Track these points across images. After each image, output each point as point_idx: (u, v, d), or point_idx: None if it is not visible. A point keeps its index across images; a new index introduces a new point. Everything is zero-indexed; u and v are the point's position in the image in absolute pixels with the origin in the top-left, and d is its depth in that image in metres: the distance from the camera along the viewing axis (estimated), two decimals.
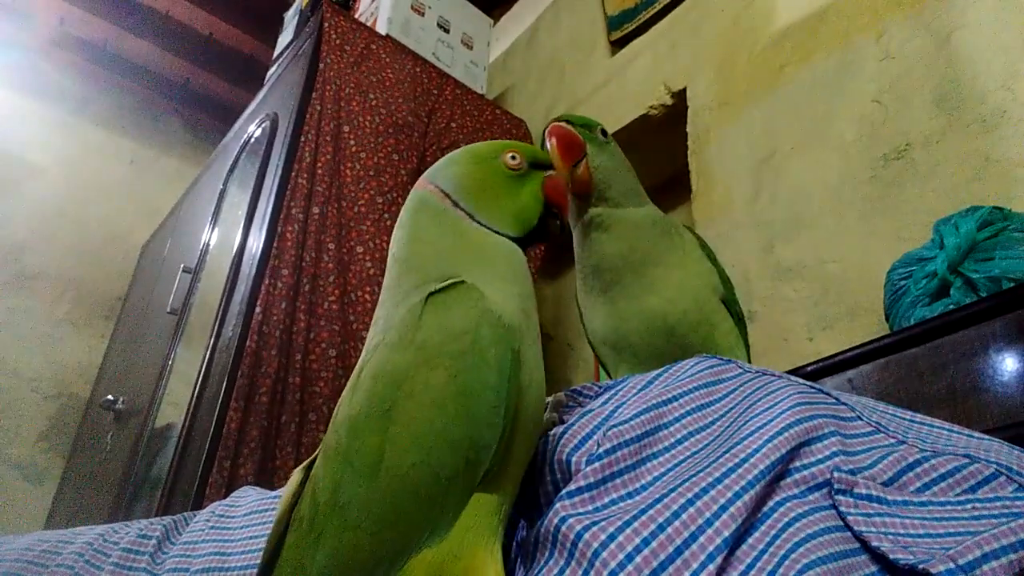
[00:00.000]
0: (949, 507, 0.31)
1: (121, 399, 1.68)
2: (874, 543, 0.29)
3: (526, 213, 0.41)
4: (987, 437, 0.36)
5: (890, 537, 0.29)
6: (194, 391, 1.23)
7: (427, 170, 0.46)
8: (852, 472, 0.33)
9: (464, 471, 0.31)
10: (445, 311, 0.34)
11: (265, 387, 1.18)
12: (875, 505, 0.31)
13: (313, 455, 0.36)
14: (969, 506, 0.31)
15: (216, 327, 1.28)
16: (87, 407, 2.11)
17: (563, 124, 0.55)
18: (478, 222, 0.40)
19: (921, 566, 0.27)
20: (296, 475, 0.36)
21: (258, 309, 1.22)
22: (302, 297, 1.29)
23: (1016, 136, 0.96)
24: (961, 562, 0.27)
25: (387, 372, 0.33)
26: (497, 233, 0.40)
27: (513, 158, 0.42)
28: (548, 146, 0.53)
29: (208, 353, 1.26)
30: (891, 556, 0.28)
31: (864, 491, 0.32)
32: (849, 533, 0.31)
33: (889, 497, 0.32)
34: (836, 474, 0.33)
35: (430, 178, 0.43)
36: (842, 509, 0.31)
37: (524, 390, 0.34)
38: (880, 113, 1.14)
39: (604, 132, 0.59)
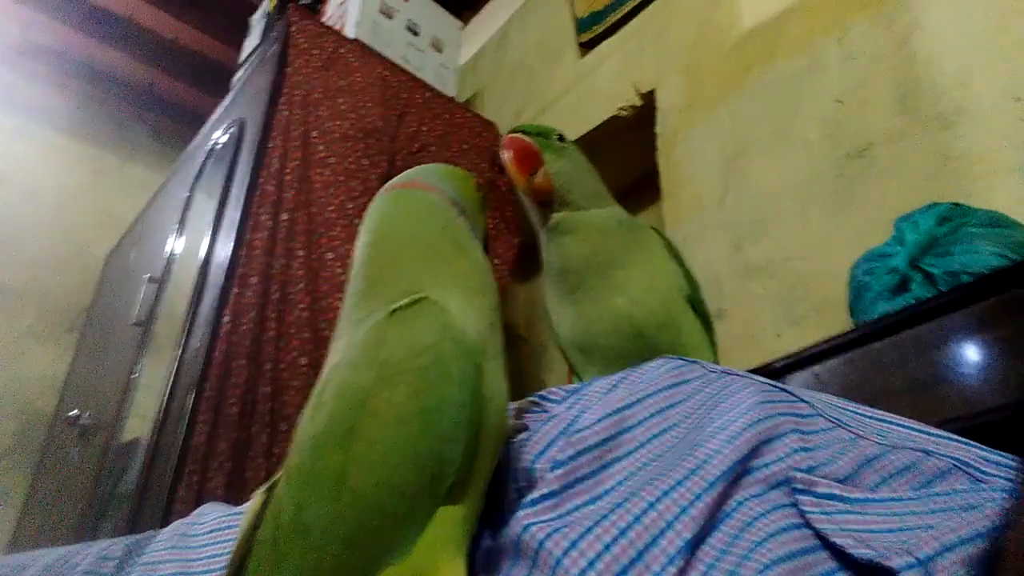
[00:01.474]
0: (908, 503, 0.31)
1: (86, 414, 1.64)
2: (835, 539, 0.29)
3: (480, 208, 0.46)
4: (943, 433, 0.37)
5: (851, 533, 0.30)
6: (161, 403, 1.21)
7: (408, 174, 0.45)
8: (811, 470, 0.34)
9: (429, 487, 0.31)
10: (408, 328, 0.33)
11: (234, 398, 1.16)
12: (835, 503, 0.32)
13: (275, 477, 0.36)
14: (929, 501, 0.31)
15: (183, 337, 1.26)
16: (52, 423, 2.06)
17: (517, 135, 0.55)
18: (463, 210, 0.42)
19: (879, 560, 0.27)
20: (258, 497, 0.35)
21: (226, 318, 1.20)
22: (271, 305, 1.27)
23: (974, 134, 0.98)
24: (919, 555, 0.27)
25: (350, 391, 0.32)
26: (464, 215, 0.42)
27: (478, 186, 0.46)
28: (503, 159, 0.53)
29: (175, 364, 1.23)
30: (851, 551, 0.28)
31: (825, 490, 0.32)
32: (809, 531, 0.31)
33: (850, 495, 0.32)
34: (796, 474, 0.33)
35: (429, 182, 0.43)
36: (803, 508, 0.32)
37: (487, 402, 0.34)
38: (843, 113, 1.16)
39: (561, 137, 0.59)
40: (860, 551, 0.28)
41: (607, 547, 0.29)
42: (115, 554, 0.42)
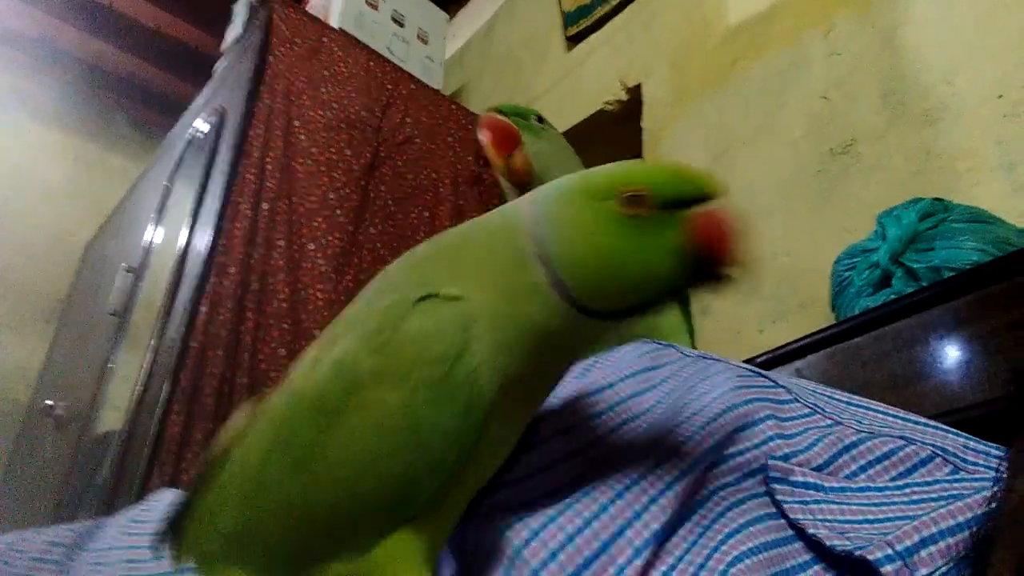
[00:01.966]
0: (887, 492, 0.31)
1: (61, 404, 1.61)
2: (810, 530, 0.28)
3: (648, 283, 0.29)
4: (923, 420, 0.36)
5: (827, 524, 0.29)
6: (135, 394, 1.19)
7: (533, 192, 0.32)
8: (787, 458, 0.33)
9: (391, 507, 0.28)
10: (430, 325, 0.28)
11: (211, 388, 1.14)
12: (812, 492, 0.31)
13: (268, 392, 0.32)
14: (908, 490, 0.31)
15: (159, 327, 1.24)
16: (27, 413, 2.03)
17: (495, 115, 0.54)
18: (568, 296, 0.28)
19: (858, 552, 0.26)
20: (245, 410, 0.32)
21: (203, 308, 1.18)
22: (250, 295, 1.25)
23: (957, 130, 0.98)
24: (899, 547, 0.26)
25: (348, 370, 0.28)
26: (587, 313, 0.28)
27: (633, 200, 0.28)
28: (480, 139, 0.52)
29: (150, 354, 1.21)
30: (827, 543, 0.27)
31: (800, 478, 0.31)
32: (784, 521, 0.30)
33: (826, 484, 0.31)
34: (771, 461, 0.32)
35: (533, 213, 0.30)
36: (778, 497, 0.31)
37: (487, 449, 0.29)
38: (828, 108, 1.16)
39: (540, 118, 0.57)
40: (836, 542, 0.27)
41: (570, 537, 0.28)
42: (64, 540, 0.40)
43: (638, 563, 0.27)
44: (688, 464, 0.31)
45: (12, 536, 0.43)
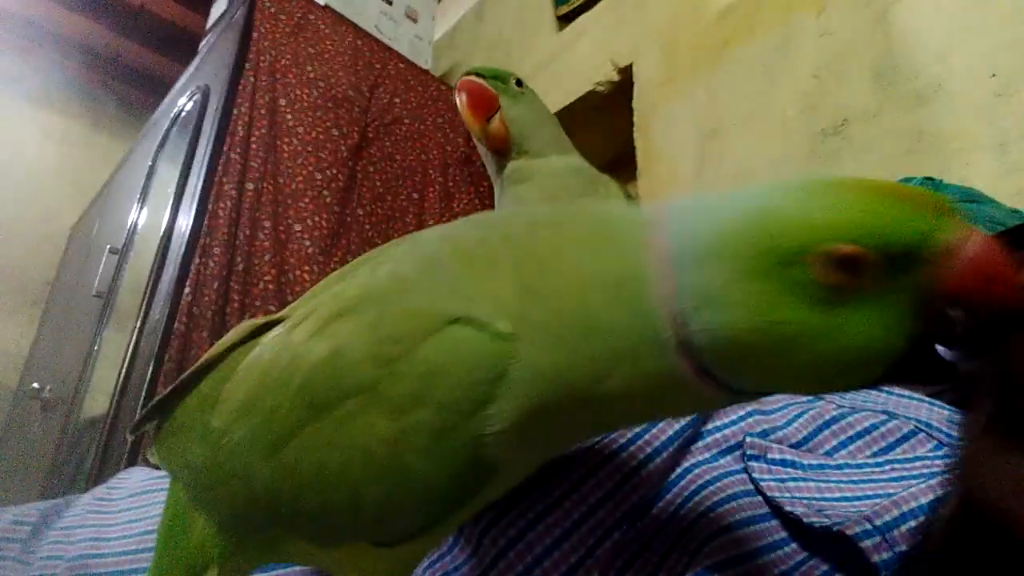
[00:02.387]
0: (866, 469, 0.30)
1: (48, 387, 1.60)
2: (787, 508, 0.28)
3: (858, 365, 0.20)
4: (908, 393, 0.35)
5: (804, 502, 0.28)
6: (119, 377, 1.17)
7: (668, 213, 0.22)
8: (765, 434, 0.32)
9: (361, 529, 0.24)
10: (455, 355, 0.22)
11: None
12: (789, 470, 0.30)
13: (276, 315, 0.29)
14: (888, 467, 0.30)
15: (143, 309, 1.22)
16: (15, 397, 2.01)
17: (472, 78, 0.52)
18: (718, 383, 0.21)
19: (836, 528, 0.26)
20: (242, 331, 0.28)
21: (187, 290, 1.17)
22: (235, 277, 1.23)
23: (949, 110, 0.97)
24: (878, 522, 0.26)
25: (345, 369, 0.23)
26: (734, 392, 0.22)
27: (845, 264, 0.19)
28: (457, 102, 0.51)
29: (135, 336, 1.20)
30: (805, 520, 0.27)
31: (777, 456, 0.31)
32: (760, 498, 0.29)
33: (804, 461, 0.31)
34: (748, 439, 0.32)
35: (673, 273, 0.21)
36: (755, 475, 0.30)
37: (472, 501, 0.24)
38: (819, 89, 1.14)
39: (519, 82, 0.56)
40: (814, 519, 0.27)
41: (540, 516, 0.27)
42: (30, 519, 0.39)
43: (616, 536, 0.27)
44: (663, 440, 0.30)
45: None
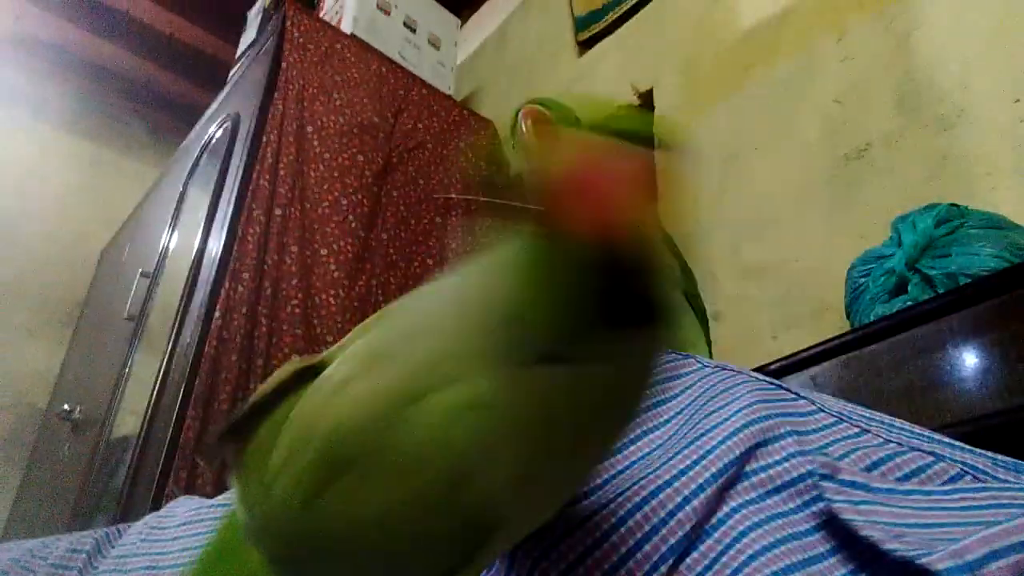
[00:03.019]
0: (935, 496, 0.29)
1: (78, 408, 1.63)
2: (863, 532, 0.27)
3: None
4: (947, 440, 0.35)
5: (879, 526, 0.27)
6: (151, 399, 1.20)
7: None
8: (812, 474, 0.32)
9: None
10: (440, 424, 0.22)
11: (225, 394, 1.15)
12: (860, 492, 0.29)
13: (317, 359, 0.29)
14: (957, 496, 0.29)
15: (174, 332, 1.25)
16: (44, 417, 2.05)
17: (537, 107, 0.54)
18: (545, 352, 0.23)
19: (922, 560, 0.24)
20: (290, 369, 0.29)
21: (217, 313, 1.19)
22: (264, 301, 1.26)
23: (973, 135, 0.97)
24: (969, 558, 0.24)
25: (353, 432, 0.24)
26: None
27: None
28: (523, 127, 0.53)
29: (165, 359, 1.22)
30: (883, 546, 0.26)
31: (848, 477, 0.30)
32: (815, 537, 0.29)
33: (874, 484, 0.30)
34: (819, 457, 0.31)
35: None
36: (827, 496, 0.29)
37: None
38: (841, 113, 1.15)
39: (577, 119, 0.58)
40: (893, 546, 0.26)
41: (589, 550, 0.28)
42: (85, 547, 0.41)
43: None
44: (706, 479, 0.31)
45: (33, 543, 0.44)
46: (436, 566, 0.24)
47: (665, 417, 0.36)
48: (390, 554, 0.24)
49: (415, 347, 0.25)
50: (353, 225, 1.43)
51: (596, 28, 1.75)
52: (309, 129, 1.46)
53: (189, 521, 0.40)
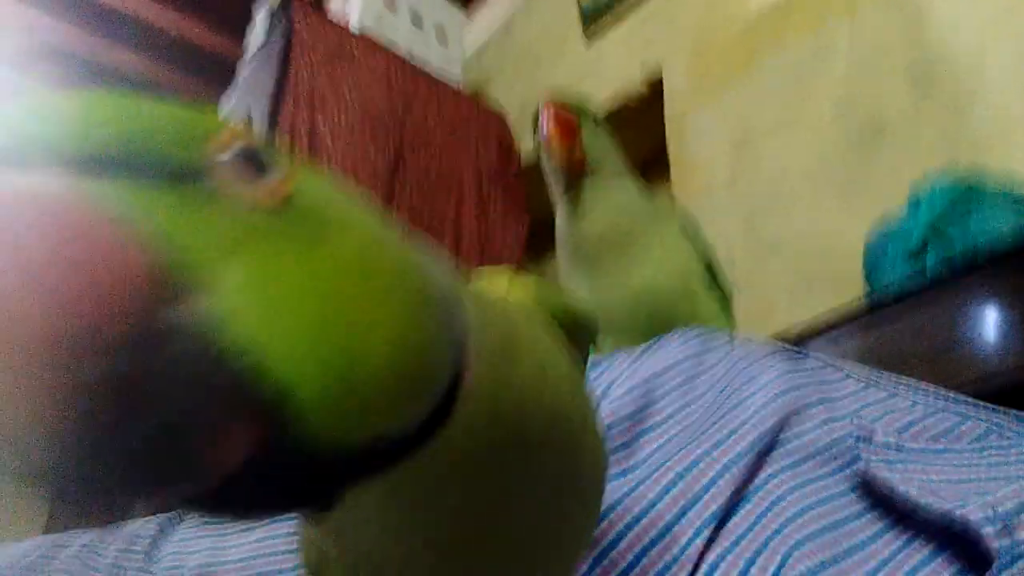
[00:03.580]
0: (967, 454, 0.30)
1: None
2: (901, 488, 0.28)
3: None
4: (970, 399, 0.36)
5: (915, 483, 0.28)
6: None
7: None
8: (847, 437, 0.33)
9: None
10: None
11: None
12: (894, 453, 0.31)
13: None
14: (986, 452, 0.30)
15: None
16: None
17: (558, 107, 0.56)
18: None
19: (959, 512, 0.25)
20: None
21: None
22: None
23: (988, 112, 0.97)
24: (1000, 510, 0.25)
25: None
26: None
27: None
28: (545, 126, 0.54)
29: None
30: (920, 500, 0.27)
31: (882, 438, 0.31)
32: (850, 497, 0.30)
33: (908, 444, 0.31)
34: (855, 421, 0.32)
35: None
36: (863, 455, 0.30)
37: None
38: (854, 93, 1.15)
39: (596, 118, 0.60)
40: (928, 499, 0.27)
41: (636, 519, 0.29)
42: (150, 532, 0.42)
43: (698, 542, 0.28)
44: (743, 448, 0.31)
45: (97, 531, 0.45)
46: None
47: (699, 391, 0.37)
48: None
49: None
50: None
51: (603, 16, 1.75)
52: (321, 127, 1.47)
53: None
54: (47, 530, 1.90)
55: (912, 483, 0.28)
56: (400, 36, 1.80)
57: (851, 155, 1.11)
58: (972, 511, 0.25)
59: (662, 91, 1.52)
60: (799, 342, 0.72)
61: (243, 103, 1.61)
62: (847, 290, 1.02)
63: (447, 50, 1.91)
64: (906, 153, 1.04)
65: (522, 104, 1.97)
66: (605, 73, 1.70)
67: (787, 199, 1.18)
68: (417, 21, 1.87)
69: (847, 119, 1.14)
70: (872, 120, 1.11)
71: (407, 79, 1.69)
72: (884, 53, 1.12)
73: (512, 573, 0.21)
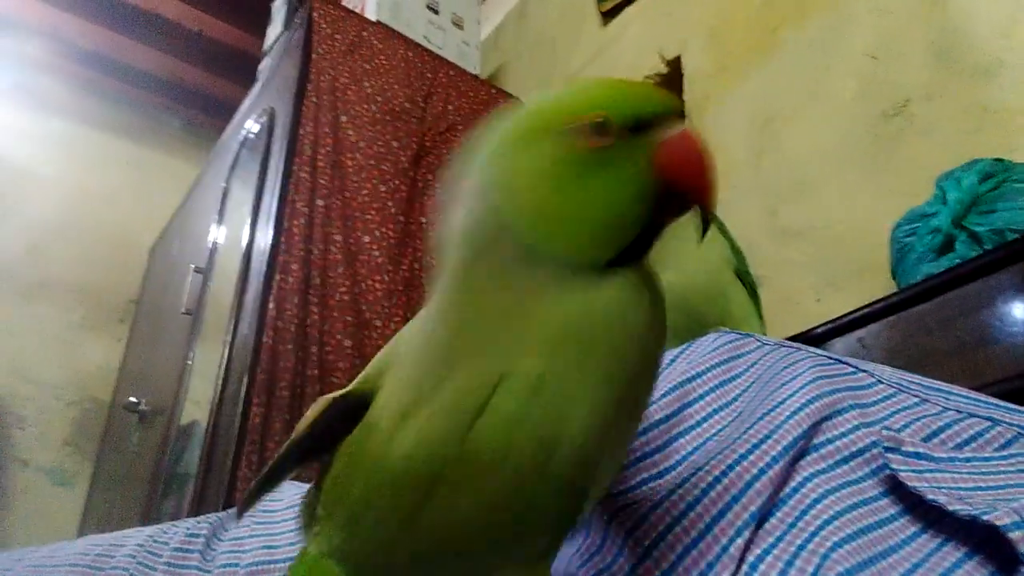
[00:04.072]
0: (994, 462, 0.31)
1: (144, 400, 1.71)
2: (929, 496, 0.29)
3: (620, 222, 0.25)
4: (1002, 403, 0.36)
5: (944, 491, 0.29)
6: (216, 389, 1.26)
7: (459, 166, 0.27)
8: (875, 444, 0.34)
9: (505, 555, 0.27)
10: (539, 407, 0.24)
11: (285, 381, 1.20)
12: (923, 462, 0.31)
13: (348, 391, 0.30)
14: (1013, 460, 0.31)
15: (232, 325, 1.30)
16: (110, 410, 2.15)
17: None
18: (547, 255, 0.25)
19: (985, 517, 0.26)
20: (322, 405, 0.31)
21: (271, 305, 1.24)
22: (313, 290, 1.30)
23: (1014, 85, 0.96)
24: None
25: (434, 455, 0.25)
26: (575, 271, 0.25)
27: (598, 128, 0.24)
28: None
29: (227, 351, 1.28)
30: (948, 508, 0.28)
31: (911, 448, 0.32)
32: (885, 501, 0.31)
33: (935, 454, 0.32)
34: (884, 432, 0.33)
35: (481, 189, 0.26)
36: (892, 466, 0.31)
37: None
38: (877, 69, 1.13)
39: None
40: (958, 507, 0.27)
41: (677, 520, 0.31)
42: (202, 531, 0.44)
43: (739, 542, 0.29)
44: (778, 451, 0.32)
45: (153, 529, 0.48)
46: (540, 542, 0.26)
47: (733, 395, 0.38)
48: (495, 542, 0.26)
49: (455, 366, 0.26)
50: (393, 211, 1.46)
51: None
52: (344, 119, 1.49)
53: (295, 505, 0.44)
54: (82, 525, 1.98)
55: (941, 492, 0.29)
56: (417, 23, 1.80)
57: (875, 133, 1.11)
58: (999, 516, 0.26)
59: (681, 73, 1.50)
60: (823, 340, 0.73)
61: (267, 98, 1.63)
62: (873, 280, 1.02)
63: (464, 35, 1.91)
64: (930, 132, 1.03)
65: (540, 87, 1.97)
66: (623, 53, 1.69)
67: (811, 183, 1.18)
68: (433, 7, 1.87)
69: (870, 97, 1.13)
70: (895, 98, 1.09)
71: (425, 67, 1.69)
72: (906, 28, 1.11)
73: (629, 431, 0.29)
